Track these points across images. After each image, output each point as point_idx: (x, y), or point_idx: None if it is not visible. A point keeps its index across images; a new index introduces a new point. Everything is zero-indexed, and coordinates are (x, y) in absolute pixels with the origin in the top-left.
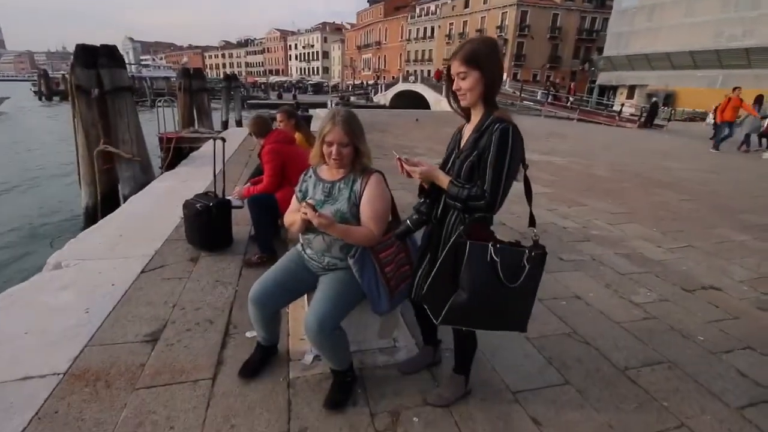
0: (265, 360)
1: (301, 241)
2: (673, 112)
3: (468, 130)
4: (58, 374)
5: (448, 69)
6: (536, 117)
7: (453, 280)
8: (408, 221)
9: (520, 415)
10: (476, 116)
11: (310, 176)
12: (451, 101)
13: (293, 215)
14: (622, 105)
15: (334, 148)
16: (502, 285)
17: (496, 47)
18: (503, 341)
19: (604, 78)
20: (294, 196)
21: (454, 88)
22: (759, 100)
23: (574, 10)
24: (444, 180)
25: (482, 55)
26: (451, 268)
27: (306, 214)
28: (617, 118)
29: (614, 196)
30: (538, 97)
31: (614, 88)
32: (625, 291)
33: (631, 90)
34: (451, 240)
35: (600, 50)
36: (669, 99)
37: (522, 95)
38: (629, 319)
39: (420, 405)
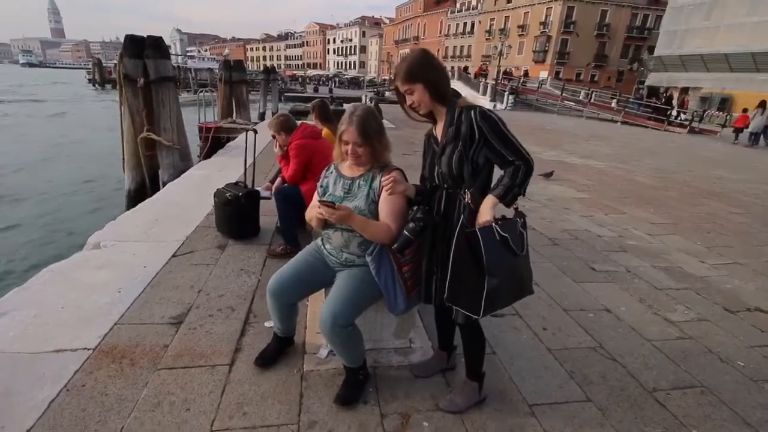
0: (280, 350)
1: (321, 235)
2: (728, 117)
3: (440, 130)
4: (88, 349)
5: (397, 89)
6: (578, 118)
7: (477, 272)
8: (406, 231)
9: (536, 429)
10: (441, 115)
11: (332, 172)
12: (412, 115)
13: (313, 211)
14: (673, 107)
15: (349, 147)
16: (517, 256)
17: (427, 54)
18: (523, 351)
19: (654, 79)
20: (316, 192)
21: (407, 104)
22: (763, 104)
23: (625, 7)
24: (485, 205)
25: (417, 68)
26: (470, 260)
27: (322, 214)
28: (666, 121)
29: (656, 205)
30: (581, 97)
31: (665, 91)
32: (660, 307)
33: (684, 92)
34: (456, 234)
35: (651, 49)
36: (725, 103)
37: (563, 95)
38: (662, 338)
39: (431, 409)
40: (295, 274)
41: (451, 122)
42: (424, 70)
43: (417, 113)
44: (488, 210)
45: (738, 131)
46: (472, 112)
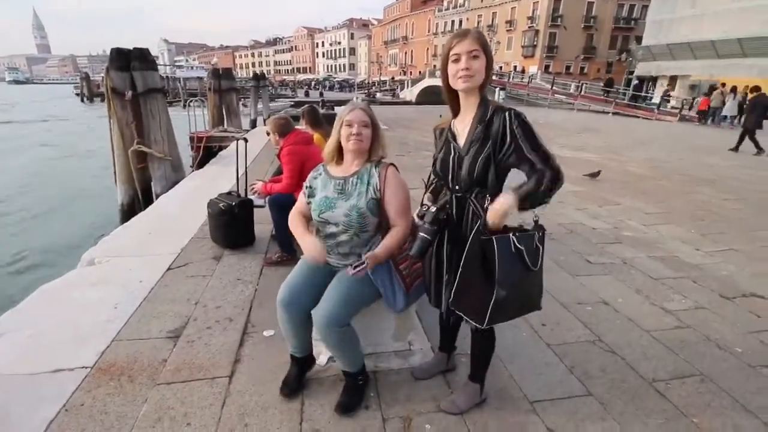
0: (302, 373)
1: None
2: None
3: (462, 126)
4: (86, 368)
5: (448, 52)
6: (569, 111)
7: (486, 279)
8: (423, 234)
9: (537, 426)
10: (469, 108)
11: (321, 173)
12: (451, 83)
13: (302, 236)
14: (662, 97)
15: (354, 128)
16: (529, 271)
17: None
18: (522, 348)
19: (642, 69)
20: (302, 192)
21: (462, 67)
22: (734, 89)
23: None
24: (505, 202)
25: (487, 42)
26: (481, 268)
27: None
28: (656, 111)
29: (650, 195)
30: (571, 90)
31: (654, 80)
32: (657, 297)
33: (672, 81)
34: (471, 238)
35: (638, 39)
36: (713, 90)
37: (554, 88)
38: (660, 328)
39: (433, 411)
40: (304, 279)
41: (481, 119)
42: (489, 48)
43: (453, 90)
44: (503, 207)
45: (702, 114)
46: (506, 114)
